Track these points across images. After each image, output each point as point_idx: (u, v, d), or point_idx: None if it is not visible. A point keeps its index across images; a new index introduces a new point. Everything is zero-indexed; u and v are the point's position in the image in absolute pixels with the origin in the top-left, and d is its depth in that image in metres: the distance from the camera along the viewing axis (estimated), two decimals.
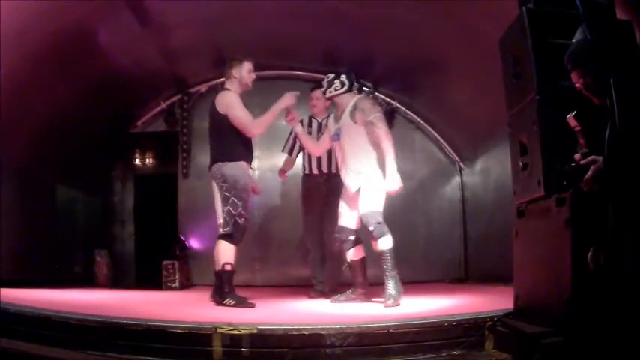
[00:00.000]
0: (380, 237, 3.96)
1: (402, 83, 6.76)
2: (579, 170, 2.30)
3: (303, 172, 5.13)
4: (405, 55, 5.96)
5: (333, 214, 4.74)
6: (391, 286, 3.88)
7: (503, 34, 2.99)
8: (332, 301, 4.26)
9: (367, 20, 5.48)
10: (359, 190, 4.11)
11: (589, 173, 2.27)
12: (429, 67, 5.93)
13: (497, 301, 3.42)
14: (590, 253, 2.17)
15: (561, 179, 2.44)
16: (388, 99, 6.99)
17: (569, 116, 2.45)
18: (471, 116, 6.08)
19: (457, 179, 7.04)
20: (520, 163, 2.83)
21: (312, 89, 5.09)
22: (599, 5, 2.67)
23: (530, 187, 2.70)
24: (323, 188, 4.97)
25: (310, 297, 4.76)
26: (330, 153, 4.86)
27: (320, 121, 5.07)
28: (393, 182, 4.04)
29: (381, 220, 4.00)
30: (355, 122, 4.15)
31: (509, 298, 2.90)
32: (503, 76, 3.04)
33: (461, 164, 6.98)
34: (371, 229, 3.97)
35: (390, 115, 6.95)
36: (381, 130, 4.10)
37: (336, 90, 4.23)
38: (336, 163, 4.59)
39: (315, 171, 5.02)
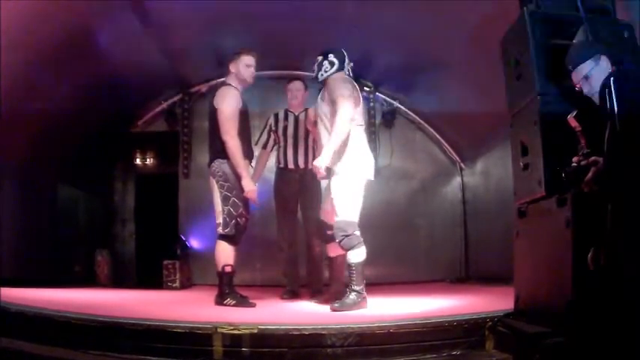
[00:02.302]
0: (348, 249, 3.74)
1: (402, 83, 6.76)
2: (580, 171, 2.30)
3: (278, 165, 5.00)
4: (406, 55, 5.96)
5: (311, 213, 4.73)
6: (351, 298, 3.67)
7: (505, 35, 2.99)
8: (314, 302, 4.21)
9: (367, 20, 5.47)
10: (330, 180, 3.86)
11: (589, 174, 2.27)
12: (430, 68, 5.93)
13: (498, 301, 3.42)
14: (590, 254, 2.17)
15: (562, 180, 2.43)
16: (389, 99, 7.00)
17: (570, 117, 2.45)
18: (472, 116, 6.07)
19: (458, 179, 7.05)
20: (521, 164, 2.83)
21: (290, 81, 5.07)
22: (599, 6, 2.67)
23: (531, 187, 2.70)
24: (297, 184, 4.87)
25: (282, 298, 4.69)
26: (306, 147, 4.83)
27: (297, 114, 5.00)
28: (320, 161, 3.69)
29: (350, 231, 3.72)
30: (324, 102, 3.92)
31: (510, 298, 2.90)
32: (504, 77, 3.04)
33: (462, 164, 6.98)
34: (337, 241, 3.76)
35: (391, 115, 6.98)
36: (340, 110, 3.68)
37: (326, 72, 3.96)
38: (312, 158, 4.46)
39: (290, 165, 4.89)
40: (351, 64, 4.09)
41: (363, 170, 3.86)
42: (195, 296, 5.18)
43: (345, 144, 3.77)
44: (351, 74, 4.07)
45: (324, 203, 4.10)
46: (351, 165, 3.80)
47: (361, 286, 3.73)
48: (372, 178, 3.95)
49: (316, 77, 4.05)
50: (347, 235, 3.72)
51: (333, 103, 3.79)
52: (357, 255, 3.75)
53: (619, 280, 2.07)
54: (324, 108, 3.94)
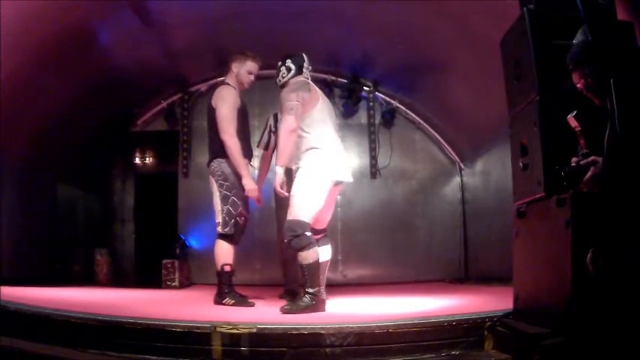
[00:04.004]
0: (298, 250, 3.56)
1: (402, 83, 6.77)
2: (579, 171, 2.30)
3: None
4: (406, 55, 5.97)
5: None
6: (304, 300, 3.52)
7: (505, 35, 2.99)
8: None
9: (367, 20, 5.48)
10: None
11: (588, 174, 2.27)
12: (430, 68, 5.94)
13: (497, 301, 3.42)
14: (589, 255, 2.17)
15: (561, 180, 2.43)
16: (389, 99, 7.01)
17: (570, 116, 2.45)
18: (472, 117, 6.08)
19: (457, 180, 7.06)
20: (521, 164, 2.82)
21: None
22: (600, 6, 2.67)
23: (530, 187, 2.70)
24: None
25: (281, 297, 4.63)
26: None
27: None
28: (278, 185, 3.71)
29: (300, 231, 3.53)
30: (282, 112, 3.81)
31: (509, 298, 2.90)
32: (504, 77, 3.04)
33: (461, 165, 6.99)
34: (286, 240, 3.60)
35: (391, 115, 6.98)
36: (282, 124, 3.65)
37: (283, 77, 3.95)
38: None
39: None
40: (310, 67, 4.01)
41: (326, 171, 3.67)
42: (195, 295, 5.17)
43: (304, 145, 3.69)
44: (309, 77, 3.98)
45: None
46: (311, 165, 3.66)
47: (316, 289, 3.55)
48: (344, 179, 3.78)
49: (276, 82, 4.06)
50: (296, 235, 3.54)
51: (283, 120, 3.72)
52: (308, 256, 3.56)
53: (618, 281, 2.08)
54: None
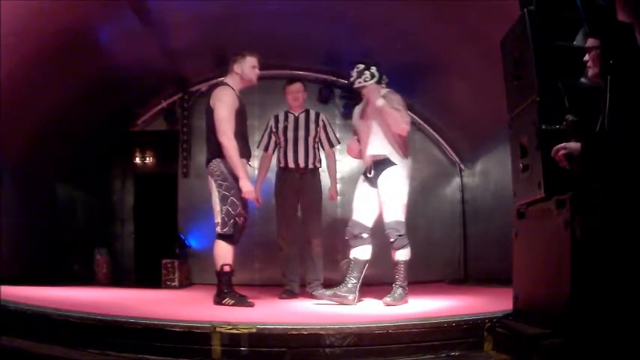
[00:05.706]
0: (399, 249, 4.01)
1: (402, 84, 6.75)
2: (558, 133, 2.36)
3: (279, 165, 5.05)
4: (406, 55, 5.96)
5: (311, 213, 4.91)
6: (400, 293, 3.96)
7: (505, 36, 2.99)
8: (317, 296, 4.20)
9: (367, 20, 5.48)
10: (379, 183, 4.11)
11: (562, 151, 2.31)
12: (430, 68, 5.93)
13: (497, 302, 3.42)
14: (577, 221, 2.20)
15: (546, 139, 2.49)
16: None
17: None
18: (472, 117, 6.08)
19: (457, 180, 7.05)
20: (520, 165, 2.83)
21: (289, 83, 5.11)
22: (600, 7, 2.67)
23: (530, 188, 2.70)
24: (297, 183, 4.94)
25: (281, 297, 4.69)
26: (306, 147, 4.93)
27: (297, 115, 5.05)
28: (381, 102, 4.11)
29: (402, 231, 4.03)
30: (373, 110, 4.17)
31: (509, 299, 2.91)
32: (504, 78, 3.04)
33: (461, 165, 6.99)
34: (392, 240, 4.01)
35: None
36: (407, 117, 4.18)
37: (365, 81, 4.17)
38: (312, 158, 4.93)
39: (291, 164, 4.95)
40: (386, 79, 4.31)
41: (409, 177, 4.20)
42: (194, 295, 5.18)
43: (397, 145, 4.14)
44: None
45: (358, 201, 4.24)
46: (407, 170, 4.15)
47: (406, 283, 4.04)
48: None
49: (352, 83, 4.25)
50: (400, 235, 4.00)
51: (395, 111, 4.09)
52: (406, 253, 4.04)
53: (617, 281, 2.08)
54: (379, 118, 4.16)
